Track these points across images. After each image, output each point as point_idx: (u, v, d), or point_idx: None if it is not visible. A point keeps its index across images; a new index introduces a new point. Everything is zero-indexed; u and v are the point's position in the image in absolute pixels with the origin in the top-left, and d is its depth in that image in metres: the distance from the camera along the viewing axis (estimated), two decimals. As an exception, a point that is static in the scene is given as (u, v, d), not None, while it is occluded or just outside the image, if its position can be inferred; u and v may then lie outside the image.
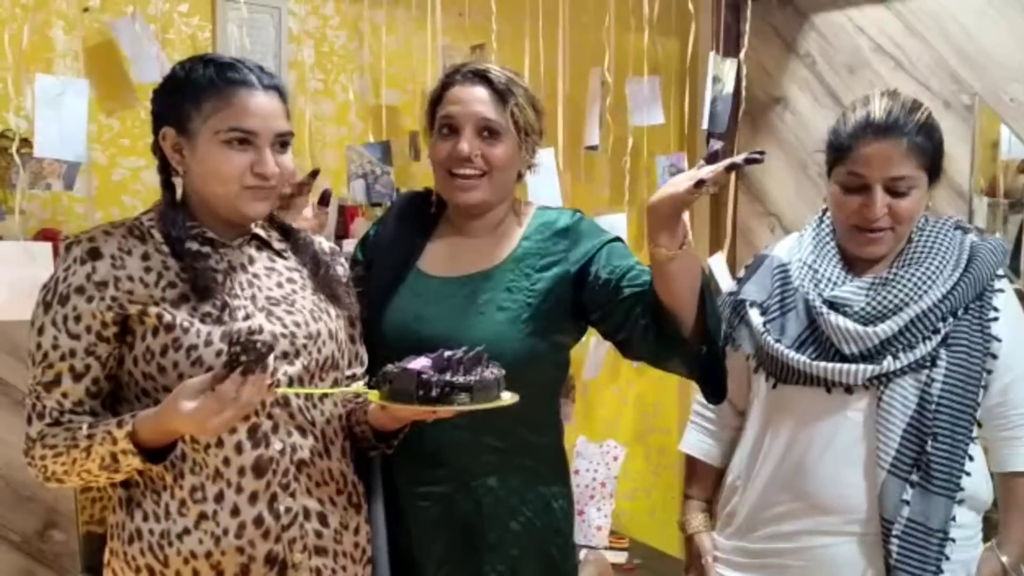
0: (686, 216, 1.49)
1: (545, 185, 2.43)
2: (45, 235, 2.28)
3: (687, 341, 1.58)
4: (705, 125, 3.03)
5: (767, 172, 3.29)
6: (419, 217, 1.84)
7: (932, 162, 1.70)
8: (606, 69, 2.86)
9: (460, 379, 1.41)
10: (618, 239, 1.77)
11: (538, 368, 1.71)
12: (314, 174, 1.83)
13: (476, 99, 1.72)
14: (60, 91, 2.04)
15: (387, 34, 2.77)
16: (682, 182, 1.43)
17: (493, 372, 1.45)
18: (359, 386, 1.54)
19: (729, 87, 3.04)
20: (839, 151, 1.70)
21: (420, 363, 1.44)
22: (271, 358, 1.37)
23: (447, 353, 1.45)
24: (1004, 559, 1.73)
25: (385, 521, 1.73)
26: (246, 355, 1.31)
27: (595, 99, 2.93)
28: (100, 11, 2.43)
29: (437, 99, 1.77)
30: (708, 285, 1.58)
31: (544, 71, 2.69)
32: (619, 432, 3.34)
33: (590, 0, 2.90)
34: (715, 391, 1.67)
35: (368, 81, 2.80)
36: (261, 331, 1.49)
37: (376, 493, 1.73)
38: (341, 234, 2.64)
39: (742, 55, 3.04)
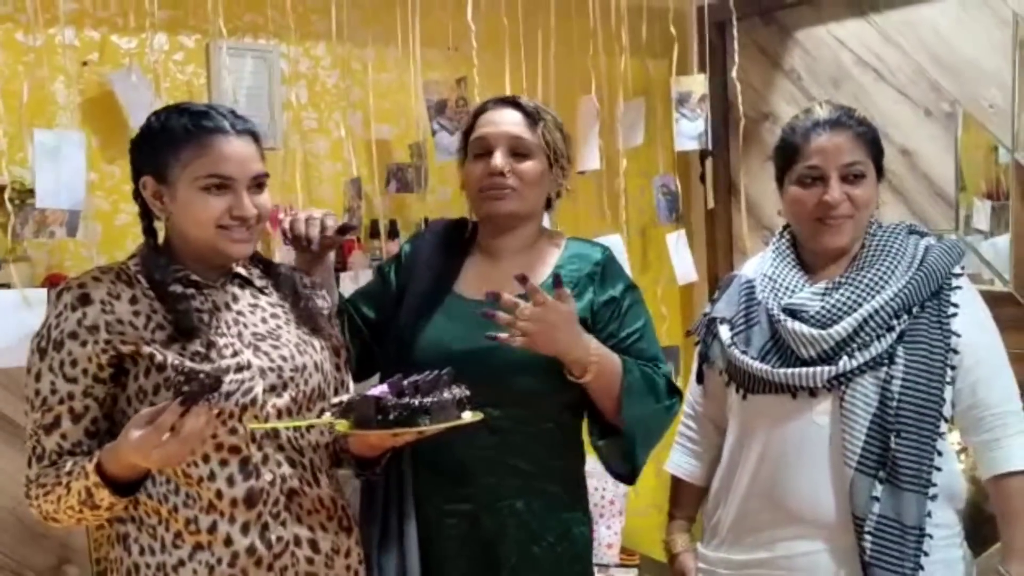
0: (593, 343, 1.71)
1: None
2: (51, 280, 2.37)
3: (614, 427, 1.79)
4: (680, 147, 3.08)
5: (760, 187, 3.32)
6: (454, 244, 1.93)
7: (876, 155, 1.79)
8: (590, 94, 2.92)
9: (416, 402, 1.45)
10: (636, 288, 1.89)
11: (565, 390, 1.75)
12: (343, 230, 1.86)
13: (508, 121, 1.83)
14: (57, 144, 2.12)
15: (378, 71, 2.86)
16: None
17: (454, 393, 1.49)
18: (328, 417, 1.57)
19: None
20: (793, 152, 1.78)
21: (379, 389, 1.48)
22: (221, 392, 1.40)
23: (406, 379, 1.49)
24: (1011, 572, 1.69)
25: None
26: (188, 385, 1.32)
27: (589, 124, 2.98)
28: (99, 64, 2.54)
29: (470, 129, 1.87)
30: (630, 390, 1.75)
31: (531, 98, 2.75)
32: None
33: (576, 27, 2.96)
34: (627, 477, 1.88)
35: (360, 117, 2.87)
36: (250, 366, 1.53)
37: (409, 515, 1.79)
38: (339, 267, 2.70)
39: (734, 73, 3.08)
